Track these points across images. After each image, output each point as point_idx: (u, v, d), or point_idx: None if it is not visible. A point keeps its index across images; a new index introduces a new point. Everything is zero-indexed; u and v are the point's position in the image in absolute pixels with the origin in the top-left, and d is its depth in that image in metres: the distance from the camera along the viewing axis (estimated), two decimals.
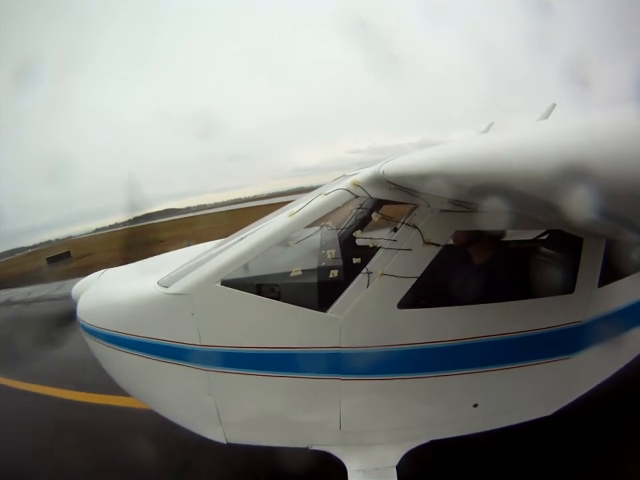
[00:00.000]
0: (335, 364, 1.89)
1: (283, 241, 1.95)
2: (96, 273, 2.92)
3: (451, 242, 1.98)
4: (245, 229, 2.40)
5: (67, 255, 26.47)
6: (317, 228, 2.60)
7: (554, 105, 5.77)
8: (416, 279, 1.84)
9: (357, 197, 1.91)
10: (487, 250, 2.25)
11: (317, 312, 1.87)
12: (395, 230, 1.97)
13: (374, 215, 2.00)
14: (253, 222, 2.47)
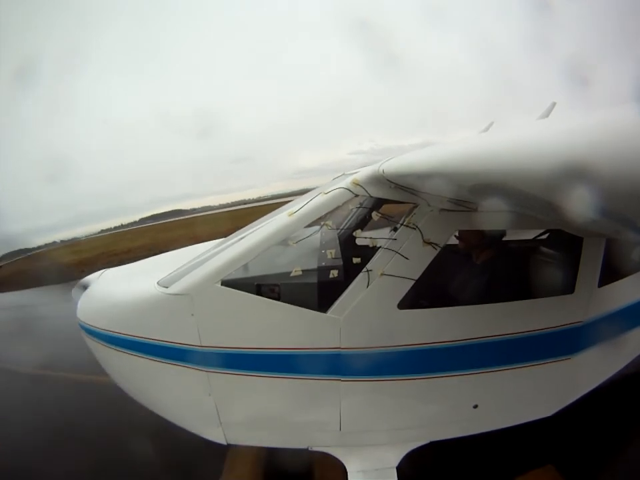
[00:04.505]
0: (334, 365, 1.89)
1: (283, 240, 1.94)
2: (96, 273, 2.91)
3: (451, 242, 1.98)
4: (244, 228, 2.39)
5: None
6: (317, 227, 2.60)
7: (554, 104, 5.74)
8: (415, 279, 1.84)
9: (356, 195, 1.91)
10: (486, 250, 2.24)
11: (316, 312, 1.86)
12: (395, 229, 1.97)
13: (374, 214, 1.99)
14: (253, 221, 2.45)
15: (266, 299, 1.92)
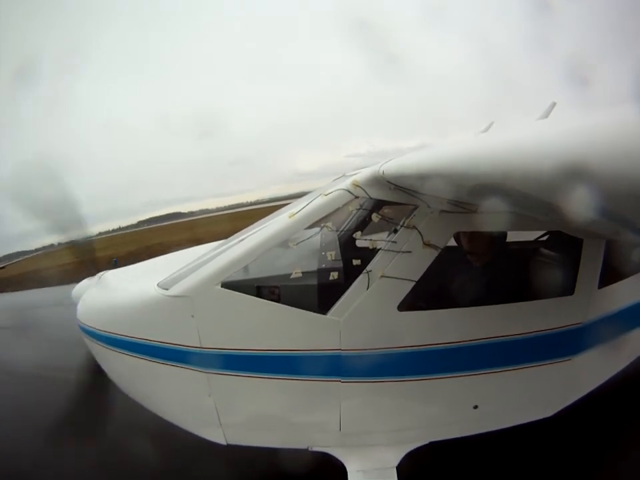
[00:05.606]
0: (335, 366, 1.88)
1: (283, 242, 1.94)
2: (96, 274, 2.91)
3: (450, 244, 1.97)
4: (244, 230, 2.39)
5: None
6: (317, 229, 2.61)
7: (554, 104, 5.74)
8: (416, 281, 1.84)
9: (356, 197, 1.91)
10: (486, 252, 2.24)
11: (316, 314, 1.86)
12: (395, 231, 1.96)
13: (374, 215, 1.99)
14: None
15: (266, 300, 1.92)
